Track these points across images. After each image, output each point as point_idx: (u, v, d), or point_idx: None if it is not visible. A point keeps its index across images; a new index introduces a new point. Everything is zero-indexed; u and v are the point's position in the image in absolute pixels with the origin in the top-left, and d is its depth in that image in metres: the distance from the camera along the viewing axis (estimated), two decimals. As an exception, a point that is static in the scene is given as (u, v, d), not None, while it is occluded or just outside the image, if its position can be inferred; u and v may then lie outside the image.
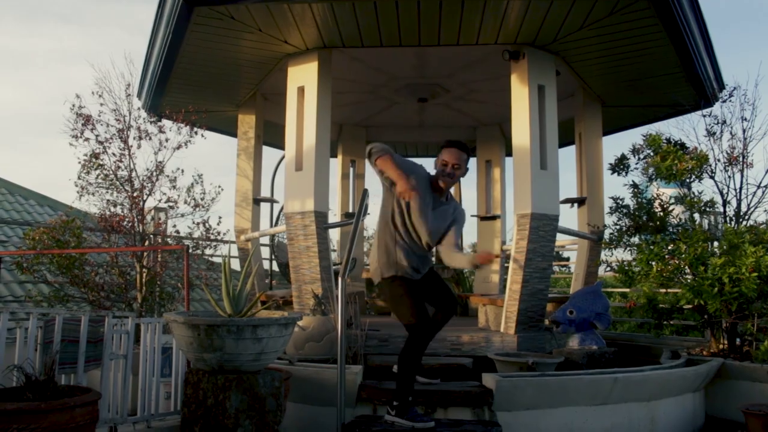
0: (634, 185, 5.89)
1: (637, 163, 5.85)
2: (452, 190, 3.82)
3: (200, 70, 5.85)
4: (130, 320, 3.64)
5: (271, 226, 7.94)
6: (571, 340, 4.80)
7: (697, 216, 5.46)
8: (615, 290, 8.21)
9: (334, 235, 8.60)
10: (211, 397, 2.78)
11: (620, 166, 5.94)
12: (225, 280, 2.95)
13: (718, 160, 5.56)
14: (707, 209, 5.41)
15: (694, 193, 5.51)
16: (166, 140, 5.97)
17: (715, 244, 5.30)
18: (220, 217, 6.32)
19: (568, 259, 13.20)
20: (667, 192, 5.94)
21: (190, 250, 6.07)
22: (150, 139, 5.94)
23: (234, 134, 6.95)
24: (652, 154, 5.66)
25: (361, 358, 4.53)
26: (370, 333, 4.96)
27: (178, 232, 5.94)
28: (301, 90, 5.37)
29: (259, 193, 6.81)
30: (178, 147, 6.02)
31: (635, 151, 5.80)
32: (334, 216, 8.11)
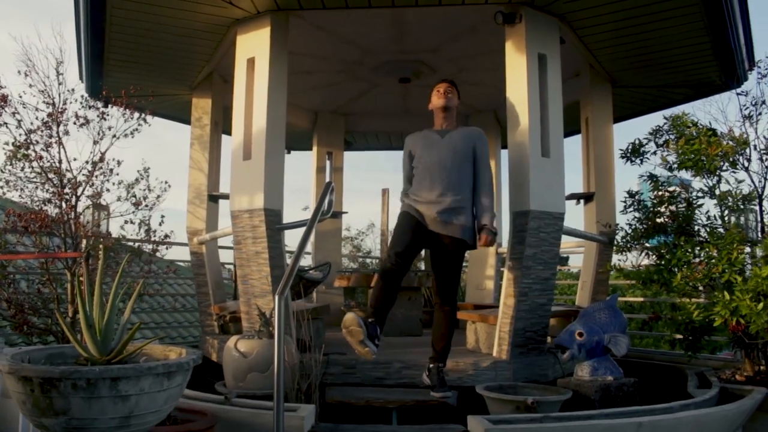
0: (651, 176, 4.98)
1: (656, 150, 4.94)
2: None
3: (137, 41, 4.92)
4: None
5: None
6: (581, 368, 3.86)
7: (728, 213, 4.56)
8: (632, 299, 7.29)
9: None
10: (52, 485, 1.87)
11: (635, 153, 5.03)
12: (83, 307, 2.03)
13: (754, 147, 4.66)
14: (744, 206, 4.49)
15: (728, 182, 4.58)
16: (109, 128, 5.15)
17: (746, 248, 4.40)
18: (162, 216, 5.35)
19: (567, 258, 12.25)
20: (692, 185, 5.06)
21: (129, 254, 5.18)
22: (88, 125, 5.11)
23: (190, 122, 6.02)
24: (674, 138, 4.75)
25: (315, 391, 3.59)
26: (333, 358, 4.05)
27: (109, 234, 5.02)
28: (251, 62, 4.42)
29: (216, 188, 5.87)
30: (124, 135, 5.18)
31: (655, 133, 4.88)
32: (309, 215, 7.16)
